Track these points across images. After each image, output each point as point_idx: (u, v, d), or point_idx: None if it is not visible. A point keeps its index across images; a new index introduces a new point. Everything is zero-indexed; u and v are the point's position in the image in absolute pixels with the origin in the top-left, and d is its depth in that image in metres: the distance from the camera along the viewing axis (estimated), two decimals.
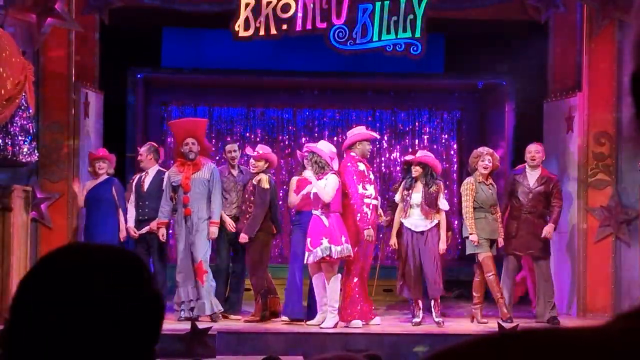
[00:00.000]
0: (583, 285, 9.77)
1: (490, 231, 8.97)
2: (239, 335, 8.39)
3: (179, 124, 9.54)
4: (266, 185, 8.94)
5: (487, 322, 8.87)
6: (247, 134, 13.38)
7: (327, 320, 8.51)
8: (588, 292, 9.77)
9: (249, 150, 9.33)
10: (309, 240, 8.53)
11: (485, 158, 9.05)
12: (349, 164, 8.80)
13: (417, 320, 8.74)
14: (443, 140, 13.60)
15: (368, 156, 8.91)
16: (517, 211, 9.07)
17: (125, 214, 9.21)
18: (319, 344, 8.23)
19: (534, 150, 9.20)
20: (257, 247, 8.99)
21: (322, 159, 8.60)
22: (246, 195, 9.07)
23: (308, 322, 8.72)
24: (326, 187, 8.41)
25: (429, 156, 9.01)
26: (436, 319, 8.72)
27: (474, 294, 9.05)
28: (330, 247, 8.39)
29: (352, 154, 8.84)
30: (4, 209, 8.41)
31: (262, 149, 9.29)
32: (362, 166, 8.79)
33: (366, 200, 8.71)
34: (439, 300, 8.83)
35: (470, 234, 8.89)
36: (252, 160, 9.12)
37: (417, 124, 13.64)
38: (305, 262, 8.63)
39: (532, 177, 9.11)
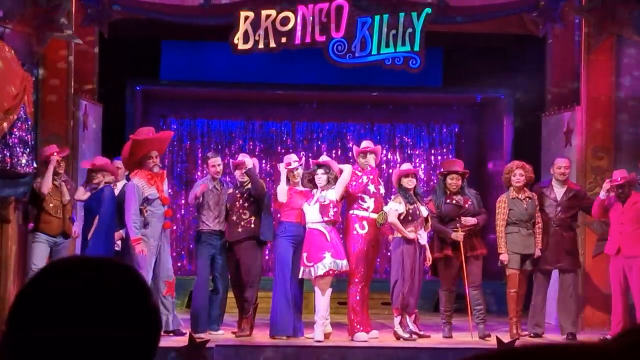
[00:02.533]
0: (582, 300, 9.75)
1: (522, 246, 8.89)
2: (237, 349, 8.36)
3: (148, 140, 8.90)
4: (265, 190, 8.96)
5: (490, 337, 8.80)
6: (246, 147, 13.38)
7: (317, 332, 8.50)
8: (586, 306, 9.76)
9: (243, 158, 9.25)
10: (305, 254, 8.51)
11: (516, 173, 8.99)
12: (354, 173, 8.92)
13: (407, 335, 8.66)
14: (441, 154, 13.59)
15: (367, 168, 8.88)
16: (545, 225, 8.99)
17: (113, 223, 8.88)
18: (316, 358, 8.21)
19: (564, 165, 9.11)
20: (255, 258, 8.96)
21: (334, 172, 8.71)
22: (237, 204, 8.89)
23: (307, 336, 8.70)
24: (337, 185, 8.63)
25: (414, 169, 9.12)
26: (420, 332, 8.78)
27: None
28: (335, 261, 8.44)
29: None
30: (1, 221, 8.40)
31: (244, 156, 9.21)
32: (362, 178, 8.81)
33: (360, 213, 8.73)
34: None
35: (500, 253, 8.83)
36: (242, 170, 8.92)
37: (415, 137, 13.64)
38: (301, 276, 8.61)
39: (559, 190, 9.06)
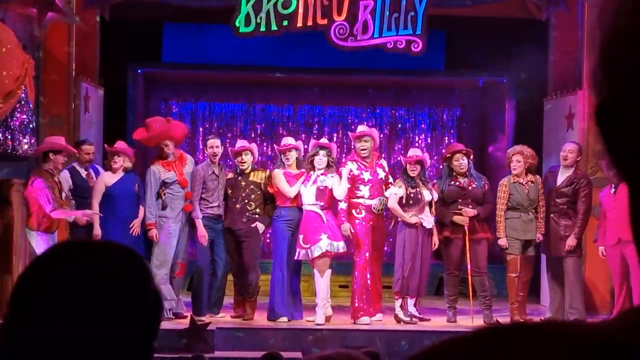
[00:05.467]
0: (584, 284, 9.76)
1: (522, 232, 8.87)
2: (238, 331, 8.39)
3: (149, 138, 8.97)
4: (268, 180, 8.96)
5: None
6: (247, 130, 13.38)
7: (318, 315, 8.54)
8: (589, 290, 9.76)
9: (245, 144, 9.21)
10: (302, 236, 8.54)
11: (512, 160, 8.96)
12: (343, 165, 8.93)
13: (407, 319, 8.71)
14: (443, 138, 13.58)
15: (364, 154, 8.84)
16: (546, 212, 9.00)
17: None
18: (316, 340, 8.24)
19: (567, 149, 9.01)
20: (258, 243, 9.01)
21: (334, 156, 8.78)
22: (243, 194, 8.90)
23: (308, 319, 8.74)
24: (341, 185, 8.58)
25: (423, 155, 9.10)
26: (420, 316, 8.83)
27: (519, 292, 9.06)
28: (332, 243, 8.46)
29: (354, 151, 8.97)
30: (3, 202, 8.40)
31: (243, 142, 9.25)
32: (350, 165, 8.79)
33: (357, 201, 8.73)
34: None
35: (499, 237, 8.85)
36: (242, 157, 8.90)
37: (417, 121, 13.63)
38: (297, 257, 8.64)
39: (562, 176, 8.98)
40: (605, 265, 9.43)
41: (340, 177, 8.68)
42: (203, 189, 8.86)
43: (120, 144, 9.06)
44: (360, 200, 8.74)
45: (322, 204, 8.59)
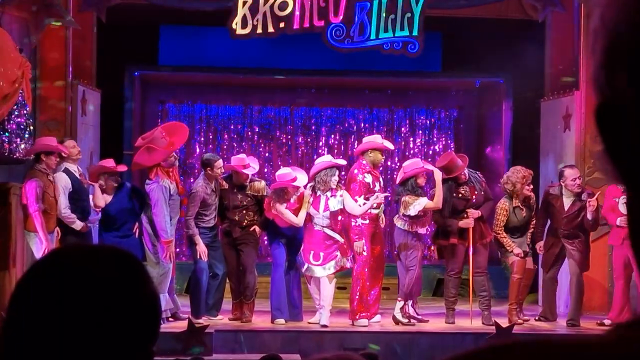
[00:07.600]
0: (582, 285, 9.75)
1: (519, 245, 8.93)
2: (236, 334, 8.39)
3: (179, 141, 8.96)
4: (265, 192, 8.92)
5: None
6: (244, 132, 13.37)
7: (323, 317, 8.55)
8: (585, 290, 9.76)
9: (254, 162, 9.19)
10: (321, 254, 8.53)
11: (506, 188, 8.88)
12: (356, 172, 8.76)
13: (405, 320, 8.74)
14: (440, 139, 13.58)
15: (380, 166, 8.83)
16: (553, 230, 8.97)
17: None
18: (315, 342, 8.24)
19: (577, 176, 8.85)
20: (256, 245, 9.07)
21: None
22: (241, 206, 8.89)
23: (310, 321, 8.75)
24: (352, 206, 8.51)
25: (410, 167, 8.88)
26: (419, 317, 8.88)
27: (519, 295, 9.07)
28: (342, 259, 8.54)
29: (363, 162, 8.79)
30: (1, 206, 8.38)
31: (242, 157, 9.19)
32: (369, 177, 8.71)
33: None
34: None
35: (511, 251, 8.85)
36: (245, 173, 8.91)
37: (414, 122, 13.62)
38: (304, 272, 8.66)
39: (567, 201, 8.88)
40: (602, 265, 9.46)
41: (349, 192, 8.61)
42: (201, 206, 8.81)
43: (111, 162, 8.90)
44: (369, 211, 8.68)
45: (331, 231, 8.56)
